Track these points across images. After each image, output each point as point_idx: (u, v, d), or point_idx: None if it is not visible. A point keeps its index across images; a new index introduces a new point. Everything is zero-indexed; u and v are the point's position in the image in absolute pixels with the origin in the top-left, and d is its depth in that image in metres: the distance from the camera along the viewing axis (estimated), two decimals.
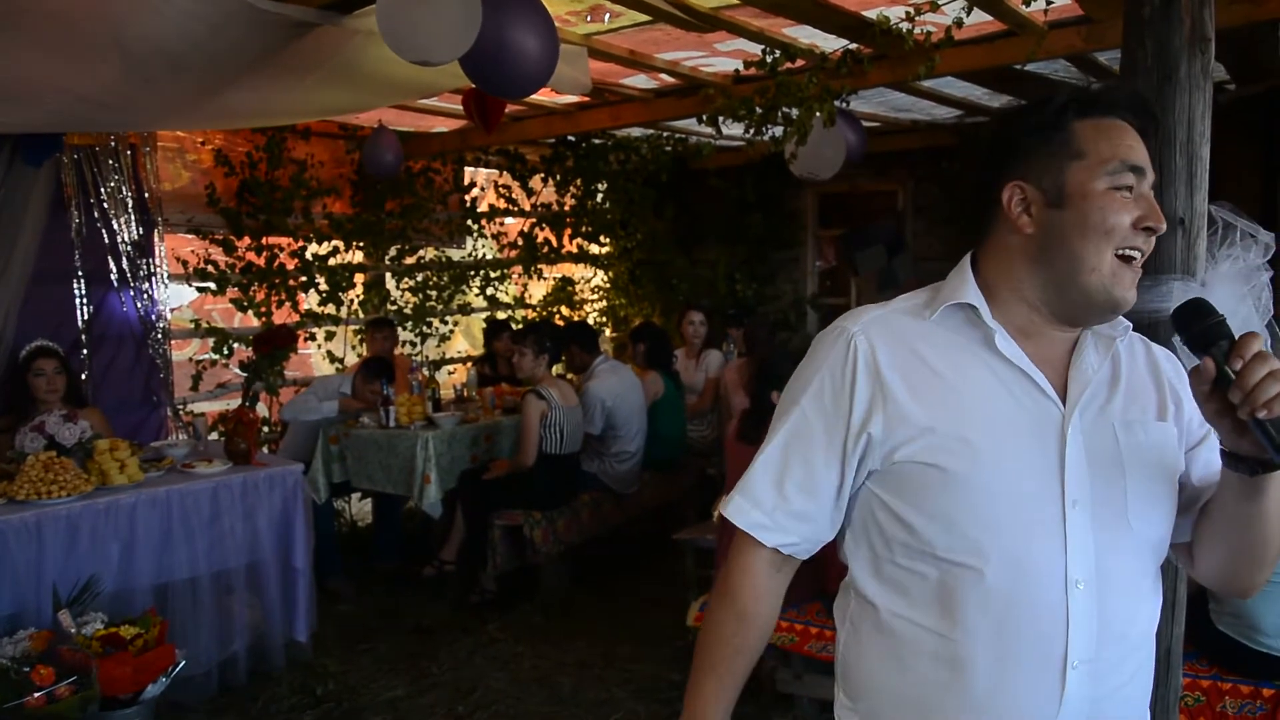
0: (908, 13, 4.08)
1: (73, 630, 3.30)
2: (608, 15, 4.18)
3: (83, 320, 5.56)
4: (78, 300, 5.54)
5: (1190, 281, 1.80)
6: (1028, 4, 3.76)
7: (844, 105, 4.98)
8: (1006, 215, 1.39)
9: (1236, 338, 1.22)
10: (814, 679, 3.86)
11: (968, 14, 3.95)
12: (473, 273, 7.91)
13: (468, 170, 7.85)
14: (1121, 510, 1.34)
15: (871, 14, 4.12)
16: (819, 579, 3.81)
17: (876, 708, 1.42)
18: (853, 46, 4.52)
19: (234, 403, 6.31)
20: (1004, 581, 1.30)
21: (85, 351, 5.56)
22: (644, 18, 4.10)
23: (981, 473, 1.31)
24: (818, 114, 4.60)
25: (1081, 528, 1.31)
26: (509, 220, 8.27)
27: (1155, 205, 1.34)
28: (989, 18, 4.12)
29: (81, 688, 3.13)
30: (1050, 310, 1.38)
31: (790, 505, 1.41)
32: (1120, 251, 1.32)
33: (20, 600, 3.57)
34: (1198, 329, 1.27)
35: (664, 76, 5.32)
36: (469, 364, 7.85)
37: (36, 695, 3.05)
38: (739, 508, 1.44)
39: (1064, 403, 1.36)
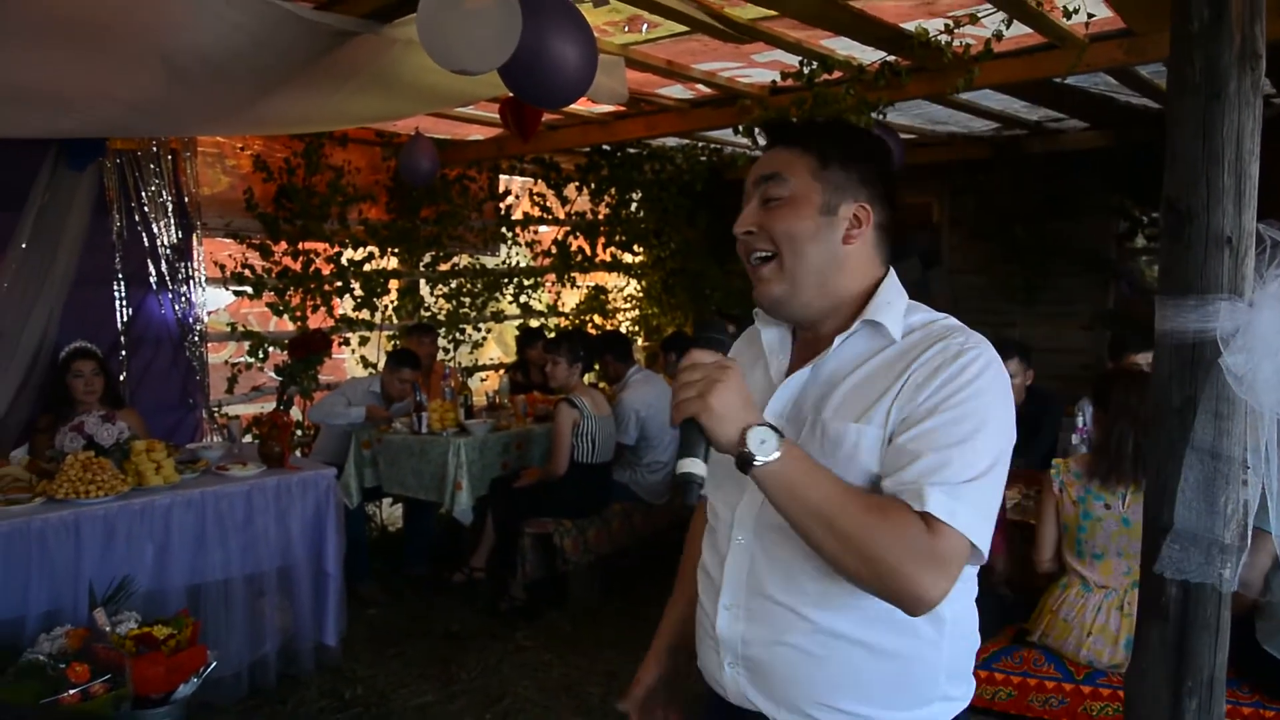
0: (947, 25, 4.06)
1: (107, 629, 3.32)
2: (645, 25, 4.18)
3: (122, 322, 5.64)
4: (117, 302, 5.62)
5: (1237, 301, 1.77)
6: (1069, 17, 3.73)
7: (881, 117, 4.97)
8: None
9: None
10: None
11: (1007, 27, 3.93)
12: (506, 280, 7.94)
13: (503, 178, 7.88)
14: None
15: (910, 26, 4.11)
16: None
17: None
18: (890, 58, 4.50)
19: (268, 406, 6.37)
20: (710, 527, 1.67)
21: (124, 353, 5.63)
22: (682, 28, 4.10)
23: None
24: None
25: (753, 497, 1.53)
26: (543, 228, 8.30)
27: (744, 213, 1.58)
28: (1029, 30, 4.09)
29: (115, 686, 3.16)
30: None
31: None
32: (750, 260, 1.58)
33: (57, 597, 3.61)
34: (684, 342, 1.39)
35: (700, 87, 5.31)
36: (501, 371, 7.88)
37: (71, 692, 3.08)
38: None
39: None
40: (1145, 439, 3.00)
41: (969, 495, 1.36)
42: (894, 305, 1.55)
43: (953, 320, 1.56)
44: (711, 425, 1.35)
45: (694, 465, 1.39)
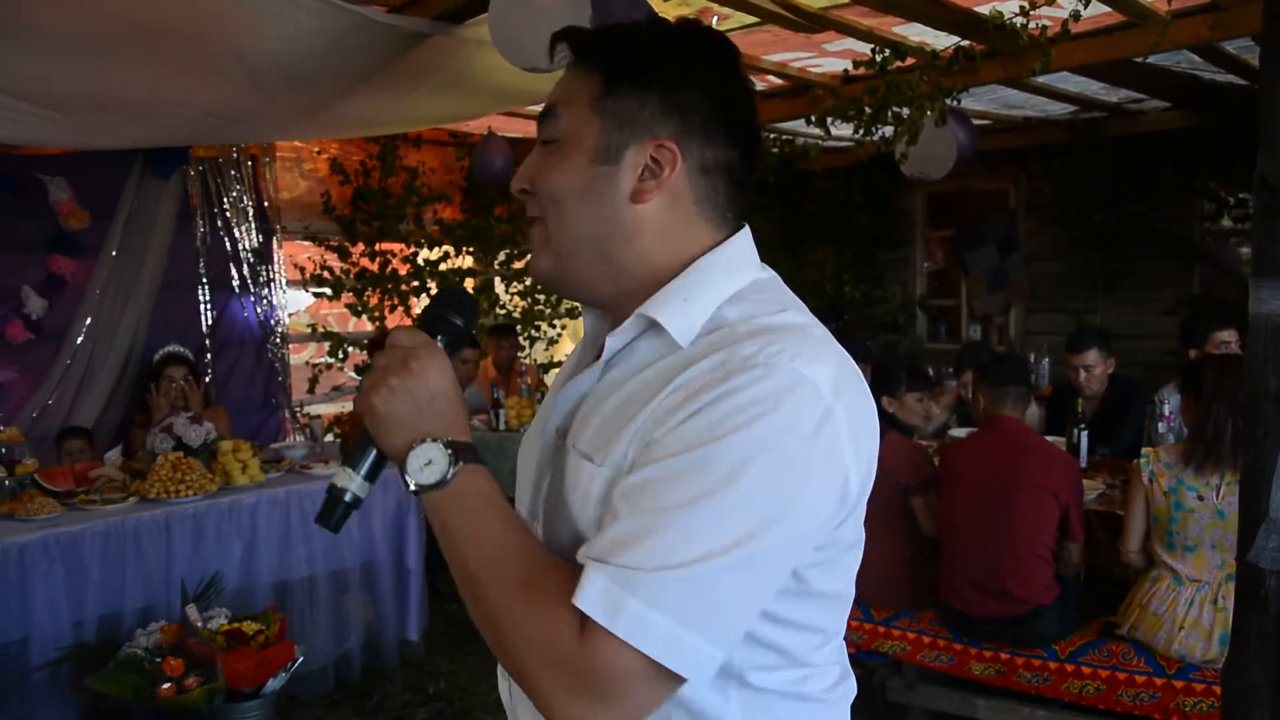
0: (1022, 7, 3.97)
1: (199, 624, 3.41)
2: (715, 18, 4.17)
3: (207, 325, 5.78)
4: (202, 306, 5.77)
5: None
6: None
7: (955, 103, 4.88)
8: None
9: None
10: (926, 689, 3.78)
11: (1085, 6, 3.83)
12: None
13: None
14: (545, 535, 1.13)
15: (984, 9, 4.02)
16: (932, 588, 3.73)
17: None
18: (964, 43, 4.42)
19: (349, 405, 6.47)
20: None
21: (209, 355, 5.77)
22: (752, 19, 4.07)
23: None
24: (929, 113, 4.51)
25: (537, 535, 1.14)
26: None
27: (526, 163, 1.14)
28: (1108, 9, 3.99)
29: (208, 680, 3.24)
30: None
31: None
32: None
33: (152, 594, 3.72)
34: (425, 314, 1.12)
35: (771, 78, 5.27)
36: None
37: (167, 685, 3.17)
38: None
39: None
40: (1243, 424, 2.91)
41: (665, 589, 0.91)
42: (695, 297, 1.06)
43: (786, 318, 1.05)
44: (375, 430, 1.04)
45: (346, 478, 1.06)
